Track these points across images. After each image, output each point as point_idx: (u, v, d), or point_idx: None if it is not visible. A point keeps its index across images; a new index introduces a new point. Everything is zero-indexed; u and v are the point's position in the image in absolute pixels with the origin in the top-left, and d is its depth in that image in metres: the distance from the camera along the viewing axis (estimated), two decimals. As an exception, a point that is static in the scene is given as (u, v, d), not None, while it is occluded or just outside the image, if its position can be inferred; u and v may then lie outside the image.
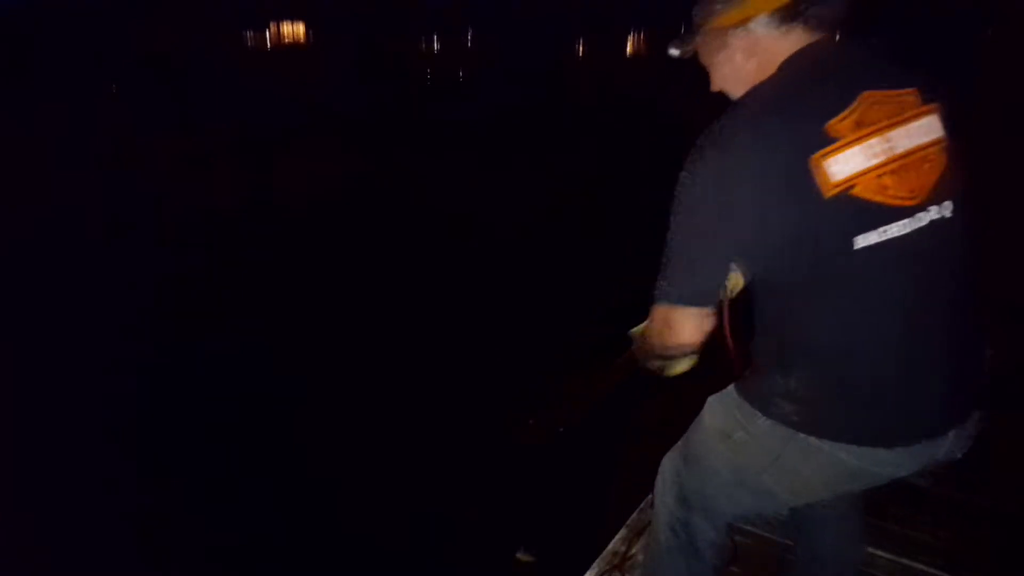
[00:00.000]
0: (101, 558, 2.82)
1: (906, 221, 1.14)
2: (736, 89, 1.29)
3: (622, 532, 2.27)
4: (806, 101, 1.16)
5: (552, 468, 3.01)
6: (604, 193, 7.57)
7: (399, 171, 8.77)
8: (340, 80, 16.90)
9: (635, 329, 1.51)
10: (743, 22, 1.24)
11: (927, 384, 1.20)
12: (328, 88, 15.62)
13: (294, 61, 21.80)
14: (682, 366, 1.46)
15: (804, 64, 1.21)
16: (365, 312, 5.00)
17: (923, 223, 1.15)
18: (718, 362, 1.36)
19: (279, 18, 33.04)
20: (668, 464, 1.51)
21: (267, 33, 29.33)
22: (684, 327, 1.22)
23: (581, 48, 25.43)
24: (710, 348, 1.30)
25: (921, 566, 2.13)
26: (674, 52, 1.37)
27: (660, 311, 1.24)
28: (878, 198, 1.13)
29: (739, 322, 1.35)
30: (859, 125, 1.13)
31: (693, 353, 1.32)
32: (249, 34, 28.31)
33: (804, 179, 1.11)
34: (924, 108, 1.19)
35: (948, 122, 1.21)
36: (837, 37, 1.26)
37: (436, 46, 26.48)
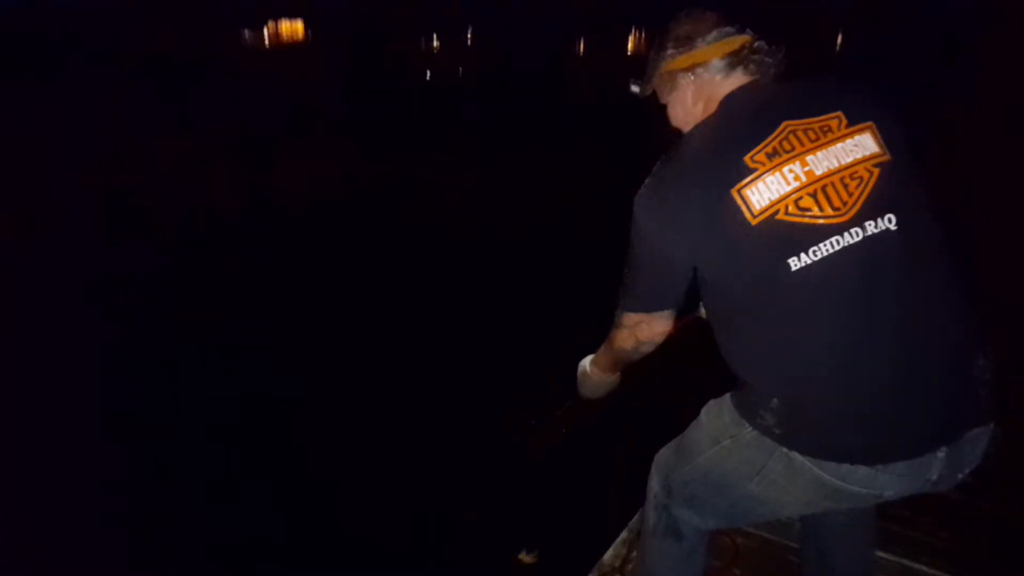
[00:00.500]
0: (101, 558, 2.82)
1: (836, 238, 1.16)
2: (687, 127, 1.40)
3: (623, 535, 2.27)
4: (731, 137, 1.24)
5: (554, 469, 3.00)
6: (604, 193, 7.55)
7: (399, 171, 8.76)
8: (340, 80, 16.90)
9: (583, 361, 1.68)
10: (692, 68, 1.36)
11: (894, 401, 1.19)
12: (328, 88, 15.62)
13: (293, 60, 21.78)
14: (603, 391, 1.69)
15: (737, 103, 1.31)
16: (365, 312, 5.00)
17: (857, 238, 1.17)
18: (718, 369, 1.37)
19: (277, 16, 32.91)
20: (663, 452, 1.56)
21: (265, 31, 29.25)
22: (652, 325, 1.37)
23: (582, 46, 25.41)
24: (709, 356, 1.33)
25: (923, 567, 2.13)
26: (635, 90, 1.49)
27: (629, 317, 1.39)
28: (802, 220, 1.17)
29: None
30: (775, 153, 1.19)
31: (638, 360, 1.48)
32: (247, 32, 28.27)
33: (729, 210, 1.18)
34: (852, 129, 1.23)
35: (887, 138, 1.24)
36: (770, 79, 1.36)
37: (436, 43, 26.45)
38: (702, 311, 1.51)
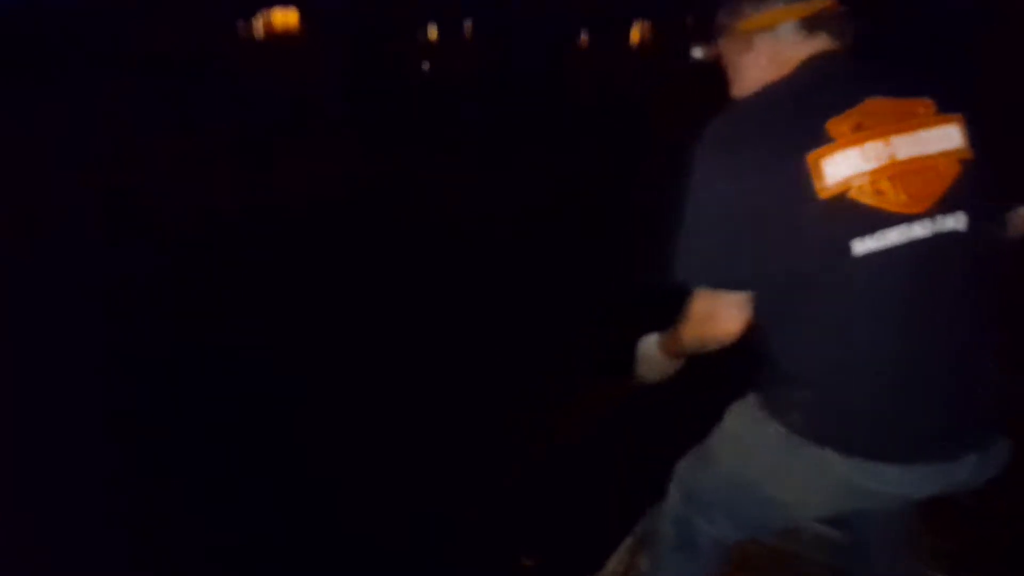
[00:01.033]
0: (101, 558, 2.82)
1: (905, 228, 1.11)
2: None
3: (627, 541, 2.23)
4: (811, 99, 1.16)
5: (557, 472, 3.00)
6: (604, 193, 7.56)
7: (399, 171, 8.76)
8: (339, 79, 16.88)
9: (647, 339, 1.54)
10: (770, 27, 1.26)
11: (927, 401, 1.16)
12: (327, 87, 15.60)
13: (289, 55, 21.70)
14: (665, 375, 1.55)
15: (815, 67, 1.22)
16: (365, 312, 4.99)
17: (926, 233, 1.12)
18: (733, 370, 1.36)
19: (270, 4, 32.48)
20: (683, 463, 1.52)
21: (258, 22, 28.91)
22: (720, 321, 1.23)
23: (582, 45, 25.36)
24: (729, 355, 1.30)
25: (924, 568, 2.12)
26: (697, 54, 1.39)
27: (698, 307, 1.25)
28: (875, 203, 1.11)
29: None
30: (859, 127, 1.12)
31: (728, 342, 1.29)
32: (240, 23, 28.11)
33: (801, 177, 1.10)
34: (940, 118, 1.16)
35: (973, 135, 1.18)
36: (852, 47, 1.26)
37: (435, 35, 26.37)
38: None
